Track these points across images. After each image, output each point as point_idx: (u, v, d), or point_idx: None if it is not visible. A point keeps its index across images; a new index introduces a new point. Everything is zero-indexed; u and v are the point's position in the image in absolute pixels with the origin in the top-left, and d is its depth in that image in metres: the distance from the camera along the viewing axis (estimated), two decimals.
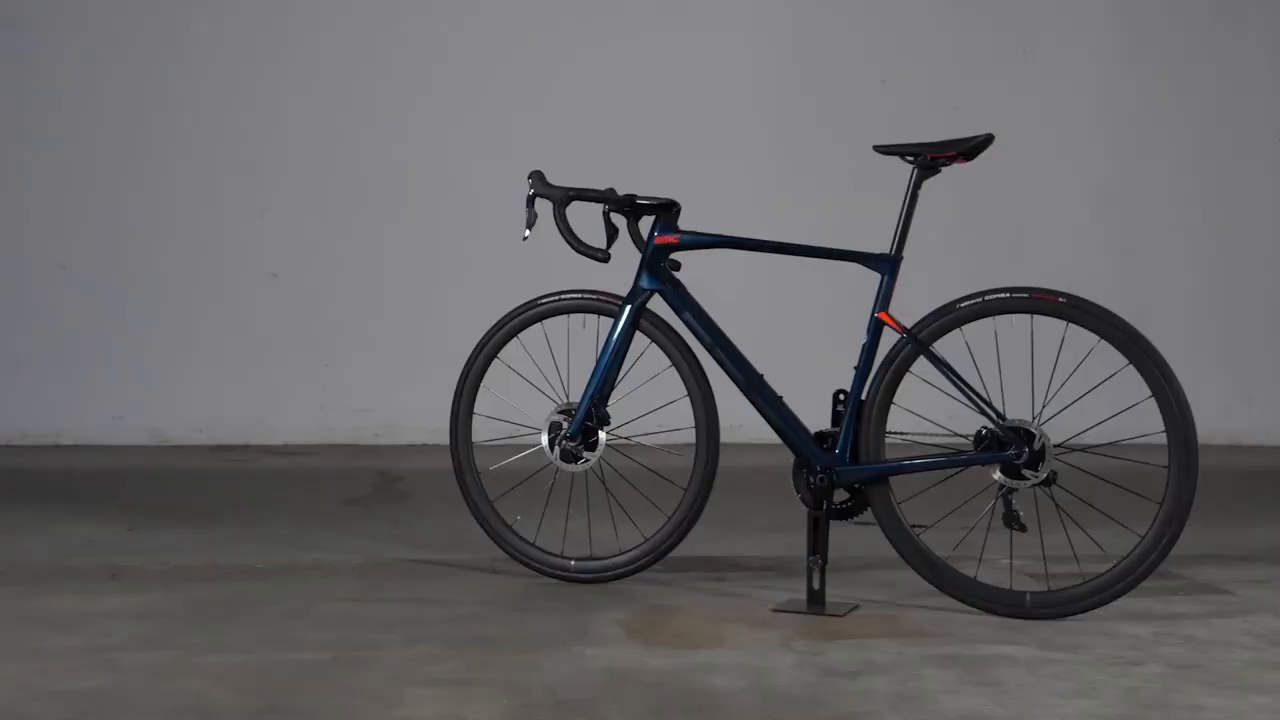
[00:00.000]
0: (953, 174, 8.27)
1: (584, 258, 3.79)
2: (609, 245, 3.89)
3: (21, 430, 7.48)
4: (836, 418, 3.67)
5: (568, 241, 3.77)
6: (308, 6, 7.79)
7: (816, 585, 3.59)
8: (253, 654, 3.08)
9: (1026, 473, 3.45)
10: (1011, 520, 3.49)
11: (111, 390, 7.57)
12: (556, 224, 3.77)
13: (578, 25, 7.95)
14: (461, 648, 3.16)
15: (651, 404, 3.90)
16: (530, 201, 3.83)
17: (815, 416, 3.77)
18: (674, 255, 3.92)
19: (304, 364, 7.67)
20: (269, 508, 5.36)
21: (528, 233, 3.82)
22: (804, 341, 6.97)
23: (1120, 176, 8.38)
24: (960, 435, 3.59)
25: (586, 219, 3.93)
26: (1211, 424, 8.09)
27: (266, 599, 3.66)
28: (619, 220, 3.93)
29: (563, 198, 3.79)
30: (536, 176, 3.85)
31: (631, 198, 3.84)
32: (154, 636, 3.24)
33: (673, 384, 3.87)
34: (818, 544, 3.60)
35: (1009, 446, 3.45)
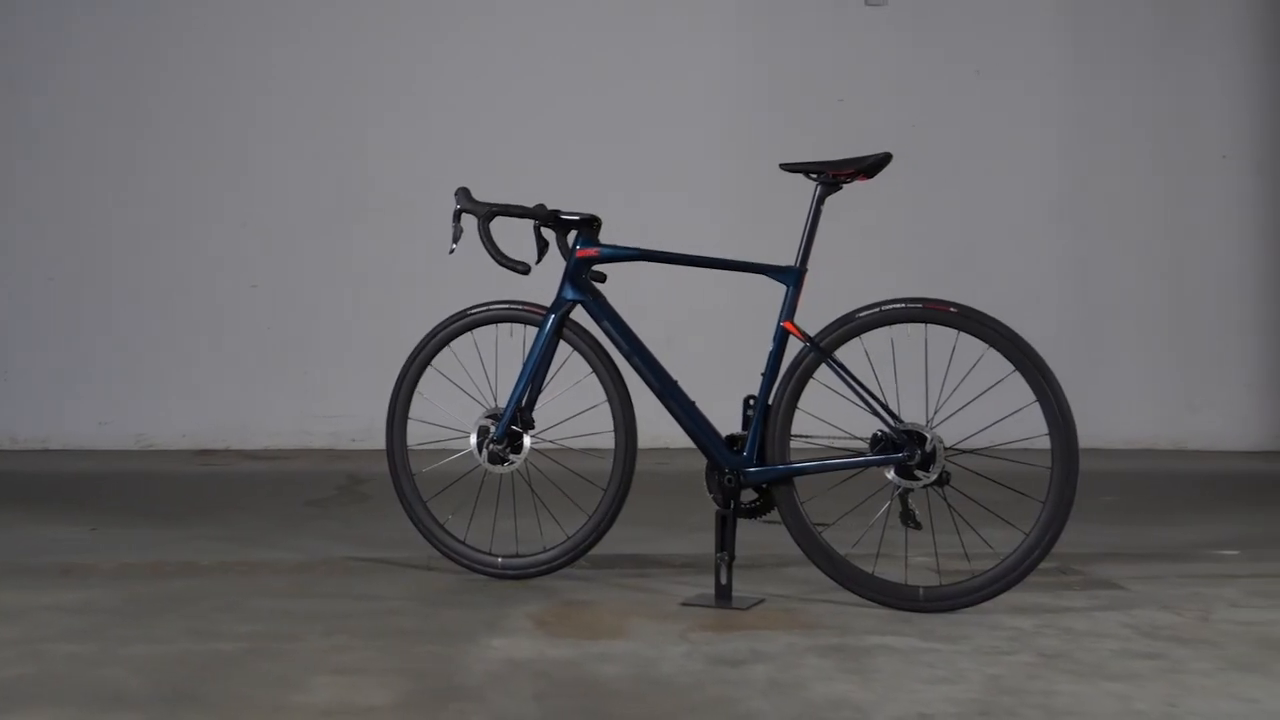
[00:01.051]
0: (913, 188, 8.43)
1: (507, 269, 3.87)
2: (540, 258, 3.98)
3: (11, 435, 7.59)
4: (746, 422, 3.74)
5: (490, 254, 3.86)
6: (288, 30, 7.90)
7: (724, 580, 3.68)
8: (176, 645, 3.16)
9: (919, 473, 3.52)
10: (907, 519, 3.57)
11: (97, 397, 7.67)
12: (480, 238, 3.85)
13: (544, 45, 8.05)
14: (375, 639, 3.24)
15: (579, 410, 3.99)
16: (456, 217, 3.92)
17: (733, 421, 3.83)
18: (598, 268, 3.99)
19: (283, 372, 7.77)
20: (234, 509, 5.45)
21: (454, 246, 3.90)
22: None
23: (1073, 190, 8.46)
24: (859, 438, 3.66)
25: (524, 233, 4.02)
26: (1160, 429, 8.24)
27: (203, 594, 3.74)
28: (549, 234, 4.01)
29: (486, 213, 3.88)
30: (462, 193, 3.94)
31: (555, 213, 3.93)
32: (86, 629, 3.32)
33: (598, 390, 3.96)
34: (725, 541, 3.68)
35: (902, 449, 3.52)
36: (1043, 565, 4.02)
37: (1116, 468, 7.25)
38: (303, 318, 7.79)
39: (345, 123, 7.92)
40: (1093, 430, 8.32)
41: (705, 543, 4.17)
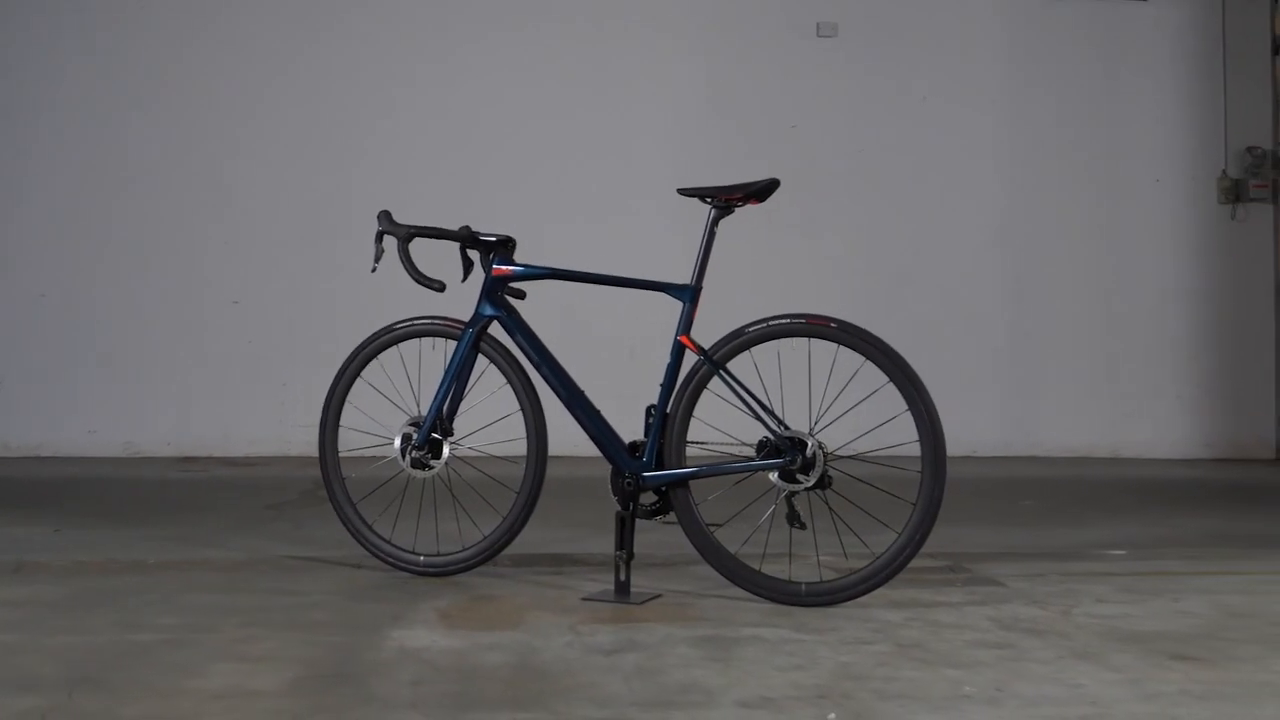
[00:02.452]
0: (862, 210, 8.51)
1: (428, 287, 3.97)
2: (465, 276, 4.09)
3: (4, 443, 7.68)
4: (649, 429, 3.84)
5: (409, 273, 3.96)
6: (271, 64, 8.02)
7: (623, 577, 3.77)
8: (99, 636, 3.26)
9: (800, 477, 3.60)
10: (792, 519, 3.65)
11: (87, 407, 7.77)
12: (400, 257, 3.96)
13: (510, 76, 8.16)
14: (286, 631, 3.33)
15: (495, 419, 4.09)
16: (378, 238, 4.02)
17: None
18: (517, 285, 4.09)
19: (263, 383, 7.87)
20: (198, 512, 5.55)
21: (375, 265, 4.00)
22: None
23: (1013, 212, 8.55)
24: (749, 445, 3.75)
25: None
26: (1095, 438, 8.32)
27: (140, 590, 3.83)
28: (474, 254, 4.11)
29: (406, 235, 3.99)
30: (384, 216, 4.04)
31: (473, 234, 4.03)
32: (20, 621, 3.41)
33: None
34: (624, 540, 3.77)
35: (785, 454, 3.60)
36: (933, 563, 4.15)
37: (1047, 474, 7.34)
38: (281, 332, 7.88)
39: (323, 151, 8.04)
40: (1031, 439, 8.49)
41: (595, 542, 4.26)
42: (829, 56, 8.53)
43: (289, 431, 7.80)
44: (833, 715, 2.58)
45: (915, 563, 4.00)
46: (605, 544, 4.38)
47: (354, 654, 3.09)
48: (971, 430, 8.36)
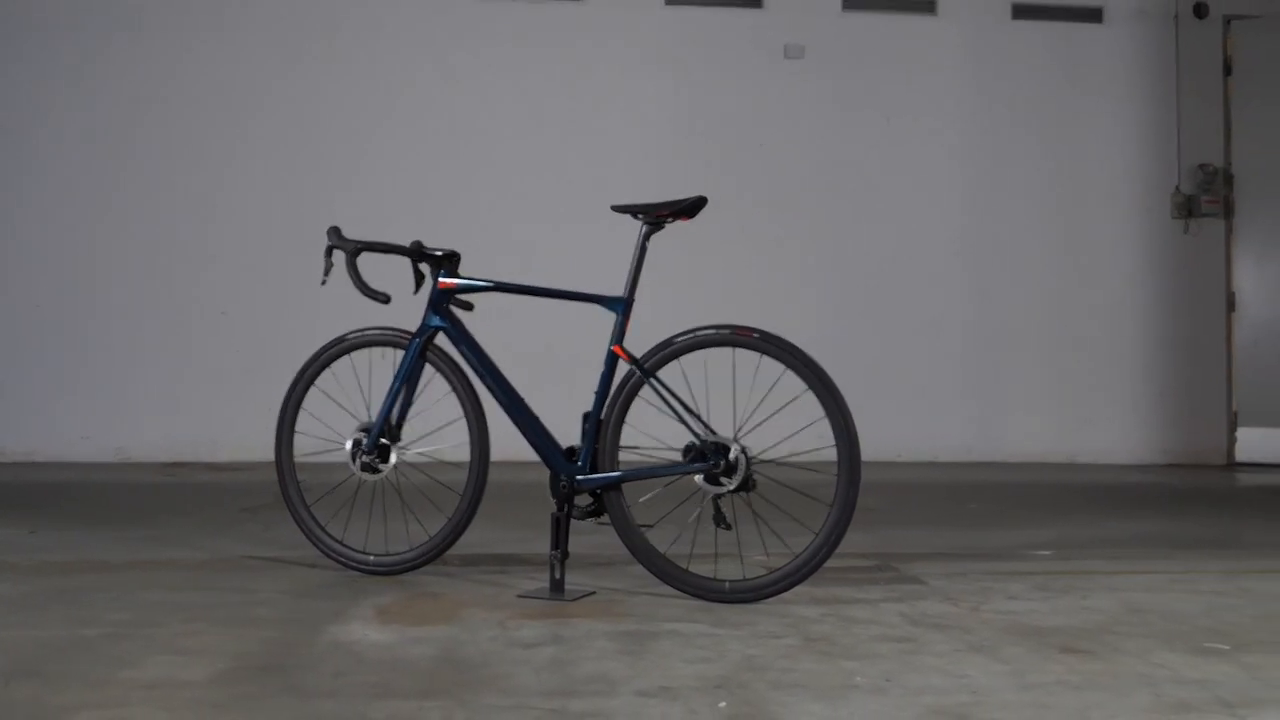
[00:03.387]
0: (830, 226, 8.57)
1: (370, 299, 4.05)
2: (417, 288, 4.17)
3: (0, 448, 7.76)
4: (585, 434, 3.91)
5: (355, 285, 4.04)
6: (257, 80, 8.11)
7: (558, 575, 3.84)
8: (47, 630, 3.33)
9: (724, 480, 3.67)
10: (718, 520, 3.72)
11: (80, 413, 7.87)
12: (348, 271, 4.03)
13: (493, 98, 8.25)
14: (228, 626, 3.40)
15: (441, 425, 4.17)
16: (328, 252, 4.10)
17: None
18: (465, 297, 4.16)
19: (250, 390, 7.92)
20: (174, 514, 5.62)
21: (325, 278, 4.08)
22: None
23: (975, 226, 8.63)
24: (677, 449, 3.82)
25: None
26: (1053, 444, 8.40)
27: (99, 588, 3.90)
28: (425, 268, 4.19)
29: (354, 249, 4.06)
30: (333, 232, 4.12)
31: (420, 250, 4.10)
32: None
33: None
34: (559, 540, 3.84)
35: (709, 458, 3.67)
36: (864, 563, 4.22)
37: (1002, 478, 7.41)
38: (267, 342, 7.96)
39: (308, 168, 8.14)
40: (992, 444, 8.55)
41: (576, 544, 4.32)
42: (796, 77, 8.62)
43: (273, 438, 7.88)
44: (723, 704, 2.64)
45: (846, 562, 4.11)
46: (548, 545, 4.48)
47: (286, 648, 3.15)
48: (934, 436, 8.47)
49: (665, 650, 3.13)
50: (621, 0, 8.48)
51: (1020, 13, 8.86)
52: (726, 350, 3.79)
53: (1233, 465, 8.57)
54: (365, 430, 4.12)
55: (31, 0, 7.98)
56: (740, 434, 3.74)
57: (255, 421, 7.92)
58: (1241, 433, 8.65)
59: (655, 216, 3.85)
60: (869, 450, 8.20)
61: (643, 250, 3.88)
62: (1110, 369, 8.77)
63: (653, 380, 3.78)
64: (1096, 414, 8.73)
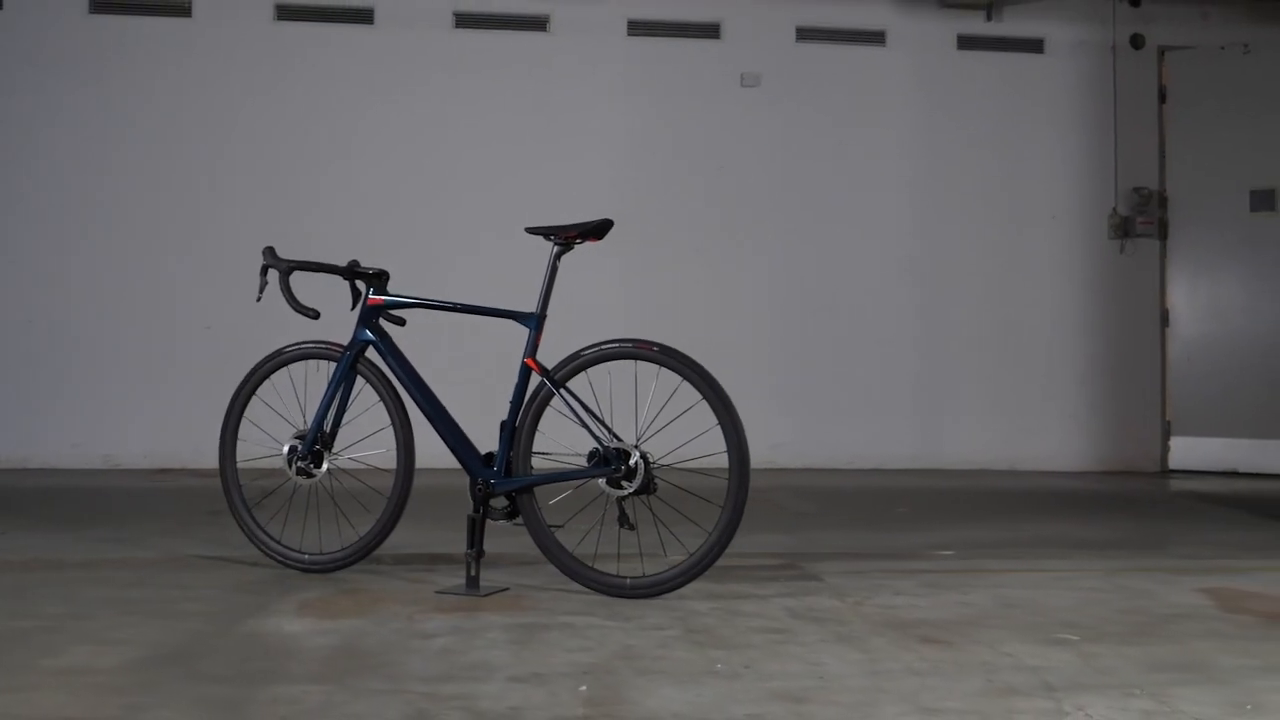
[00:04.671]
0: (783, 246, 8.66)
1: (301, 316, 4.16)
2: (354, 304, 4.29)
3: None
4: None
5: (287, 302, 4.15)
6: (236, 105, 8.24)
7: (473, 572, 3.95)
8: None
9: (624, 484, 3.77)
10: (623, 521, 3.82)
11: (71, 422, 7.97)
12: (281, 289, 4.15)
13: (459, 120, 8.37)
14: (155, 619, 3.49)
15: (370, 432, 4.28)
16: (263, 271, 4.21)
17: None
18: (396, 312, 4.27)
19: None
20: (143, 517, 5.70)
21: (259, 295, 4.19)
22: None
23: (922, 245, 8.73)
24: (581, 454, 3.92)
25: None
26: (996, 452, 8.49)
27: (47, 585, 4.00)
28: (361, 286, 4.30)
29: (287, 268, 4.18)
30: (268, 251, 4.23)
31: (352, 269, 4.22)
32: None
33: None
34: (474, 540, 3.95)
35: (611, 463, 3.78)
36: (773, 561, 4.32)
37: (940, 485, 7.50)
38: (250, 355, 7.96)
39: (285, 189, 8.27)
40: (937, 453, 8.65)
41: (499, 544, 4.43)
42: (752, 104, 8.74)
43: (252, 447, 7.99)
44: (584, 688, 2.74)
45: (757, 561, 4.22)
46: (489, 544, 4.58)
47: (202, 638, 3.26)
48: (882, 445, 8.56)
49: (552, 640, 3.23)
50: (586, 30, 8.60)
51: (965, 44, 8.97)
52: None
53: (1166, 472, 8.66)
54: (300, 437, 4.22)
55: (26, 37, 8.11)
56: (641, 441, 3.83)
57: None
58: (1174, 441, 8.74)
59: (565, 238, 3.94)
60: (820, 458, 8.34)
61: (553, 269, 3.98)
62: (1050, 381, 8.87)
63: (561, 391, 3.87)
64: (1037, 424, 8.82)
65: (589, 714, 2.53)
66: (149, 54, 8.22)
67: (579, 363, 3.89)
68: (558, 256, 3.99)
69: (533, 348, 3.97)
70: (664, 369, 3.82)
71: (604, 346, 3.87)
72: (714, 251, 8.65)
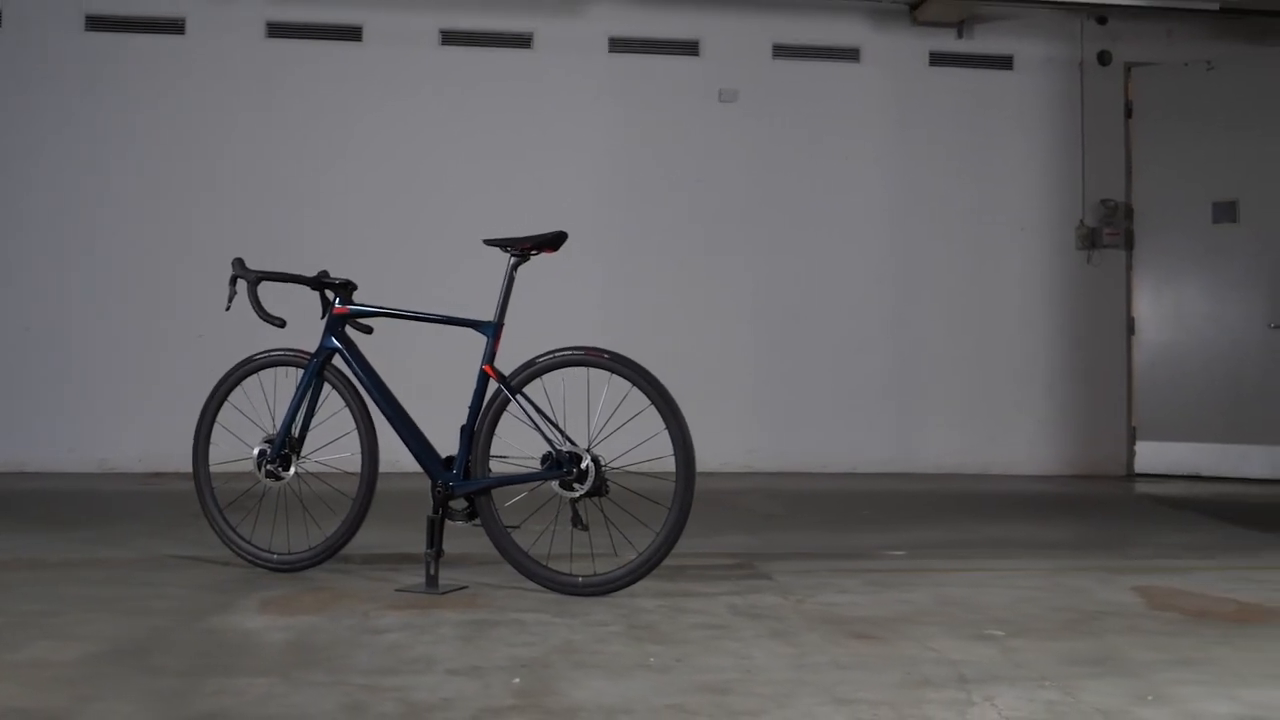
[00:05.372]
0: (762, 256, 8.71)
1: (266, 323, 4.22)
2: (324, 313, 4.33)
3: None
4: None
5: (255, 311, 4.21)
6: (227, 122, 8.31)
7: (432, 571, 3.99)
8: None
9: (576, 486, 3.82)
10: (576, 521, 3.87)
11: (67, 427, 8.04)
12: (249, 299, 4.20)
13: (444, 138, 8.43)
14: (120, 616, 3.53)
15: (338, 436, 4.33)
16: (232, 281, 4.27)
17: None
18: (363, 321, 4.33)
19: (224, 407, 8.10)
20: (129, 519, 5.75)
21: (228, 305, 4.25)
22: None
23: (895, 255, 8.79)
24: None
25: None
26: (967, 456, 8.53)
27: (25, 583, 4.03)
28: (330, 295, 4.36)
29: (255, 279, 4.23)
30: (237, 263, 4.29)
31: (318, 280, 4.27)
32: None
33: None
34: (434, 540, 4.00)
35: (563, 466, 3.83)
36: (728, 561, 4.37)
37: (909, 488, 7.54)
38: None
39: (275, 202, 8.33)
40: (911, 457, 8.70)
41: (463, 544, 4.48)
42: (730, 119, 8.81)
43: (242, 449, 8.06)
44: (517, 680, 2.79)
45: (713, 560, 4.28)
46: (454, 545, 4.64)
47: (161, 634, 3.30)
48: (858, 449, 8.61)
49: (498, 636, 3.27)
50: (569, 47, 8.67)
51: (937, 60, 9.03)
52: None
53: (1132, 476, 8.71)
54: (270, 441, 4.27)
55: (24, 53, 8.18)
56: (592, 445, 3.87)
57: (227, 435, 8.18)
58: (1140, 446, 8.79)
59: (520, 249, 3.99)
60: (797, 462, 8.38)
61: (510, 279, 4.03)
62: (1020, 388, 8.92)
63: (517, 396, 3.92)
64: (1007, 429, 8.88)
65: (517, 704, 2.58)
66: (143, 70, 8.28)
67: (534, 370, 3.95)
68: (514, 267, 4.03)
69: (491, 355, 4.02)
70: (615, 376, 3.84)
71: (558, 354, 3.92)
72: (693, 261, 8.72)
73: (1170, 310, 8.80)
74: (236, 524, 4.39)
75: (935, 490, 7.56)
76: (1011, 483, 8.14)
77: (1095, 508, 6.89)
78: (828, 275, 8.85)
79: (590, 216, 8.52)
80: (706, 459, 8.41)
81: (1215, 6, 8.07)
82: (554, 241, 3.99)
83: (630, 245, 8.66)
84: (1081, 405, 8.92)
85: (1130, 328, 8.87)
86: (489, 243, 4.08)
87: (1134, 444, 8.79)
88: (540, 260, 8.25)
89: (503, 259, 4.02)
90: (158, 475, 7.73)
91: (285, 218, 8.24)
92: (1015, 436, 8.85)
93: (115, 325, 8.15)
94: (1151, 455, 8.72)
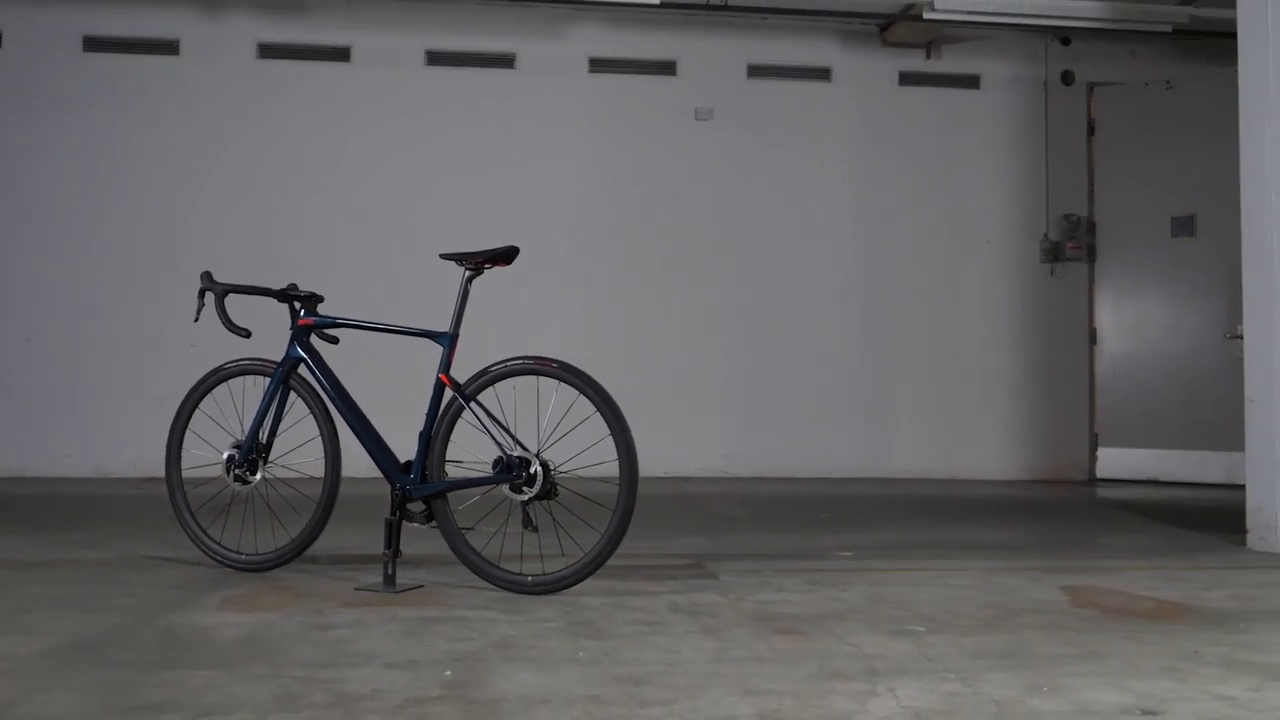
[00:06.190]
0: (733, 269, 8.77)
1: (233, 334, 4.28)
2: (294, 324, 4.40)
3: None
4: None
5: (222, 322, 4.28)
6: (218, 141, 8.39)
7: (390, 571, 4.06)
8: None
9: (525, 489, 3.88)
10: (527, 523, 3.93)
11: (64, 434, 8.11)
12: (216, 311, 4.27)
13: (431, 153, 8.50)
14: (85, 613, 3.58)
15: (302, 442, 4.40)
16: (200, 294, 4.33)
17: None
18: (330, 331, 4.40)
19: (213, 414, 8.17)
20: (113, 522, 5.83)
21: (197, 316, 4.32)
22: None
23: (866, 268, 8.85)
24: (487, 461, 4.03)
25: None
26: (934, 462, 8.58)
27: (3, 582, 4.10)
28: (297, 306, 4.43)
29: (223, 291, 4.31)
30: (205, 275, 4.36)
31: (284, 292, 4.35)
32: None
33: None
34: (391, 541, 4.06)
35: (513, 470, 3.89)
36: (680, 561, 4.42)
37: (876, 492, 7.60)
38: None
39: (264, 220, 8.41)
40: (880, 463, 8.74)
41: (428, 546, 4.54)
42: (706, 136, 8.88)
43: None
44: (449, 673, 2.86)
45: (667, 560, 4.33)
46: (408, 545, 4.69)
47: (121, 630, 3.36)
48: (829, 456, 8.67)
49: (441, 632, 3.33)
50: (550, 67, 8.75)
51: (906, 80, 9.10)
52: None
53: (1093, 481, 8.76)
54: (238, 446, 4.34)
55: (22, 74, 8.27)
56: (542, 450, 3.94)
57: (219, 440, 8.25)
58: (1102, 452, 8.84)
59: (474, 263, 4.06)
60: (770, 468, 8.43)
61: (465, 292, 4.10)
62: (986, 396, 8.98)
63: (471, 404, 3.99)
64: (974, 435, 8.93)
65: (443, 695, 2.64)
66: (139, 90, 8.37)
67: (486, 378, 4.01)
68: (469, 281, 4.10)
69: (446, 364, 4.09)
70: (563, 384, 3.91)
71: (509, 363, 3.99)
72: (669, 274, 8.79)
73: (1131, 321, 8.86)
74: (207, 526, 4.44)
75: (900, 494, 7.61)
76: (976, 487, 8.20)
77: (1049, 511, 6.94)
78: (800, 286, 8.92)
79: (571, 230, 8.60)
80: (683, 464, 8.51)
81: (1168, 29, 8.14)
82: (506, 255, 4.06)
83: (609, 258, 8.73)
84: (1045, 412, 8.98)
85: (1092, 338, 8.93)
86: (444, 257, 4.15)
87: (1096, 450, 8.85)
88: (522, 273, 8.32)
89: (488, 276, 4.08)
90: (150, 480, 7.75)
91: (276, 233, 8.32)
92: (981, 443, 8.91)
93: (112, 336, 8.22)
94: (1113, 461, 8.77)
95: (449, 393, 4.06)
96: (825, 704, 2.57)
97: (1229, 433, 7.87)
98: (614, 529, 3.83)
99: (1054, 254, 8.95)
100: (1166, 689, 2.70)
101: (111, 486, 7.47)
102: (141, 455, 8.18)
